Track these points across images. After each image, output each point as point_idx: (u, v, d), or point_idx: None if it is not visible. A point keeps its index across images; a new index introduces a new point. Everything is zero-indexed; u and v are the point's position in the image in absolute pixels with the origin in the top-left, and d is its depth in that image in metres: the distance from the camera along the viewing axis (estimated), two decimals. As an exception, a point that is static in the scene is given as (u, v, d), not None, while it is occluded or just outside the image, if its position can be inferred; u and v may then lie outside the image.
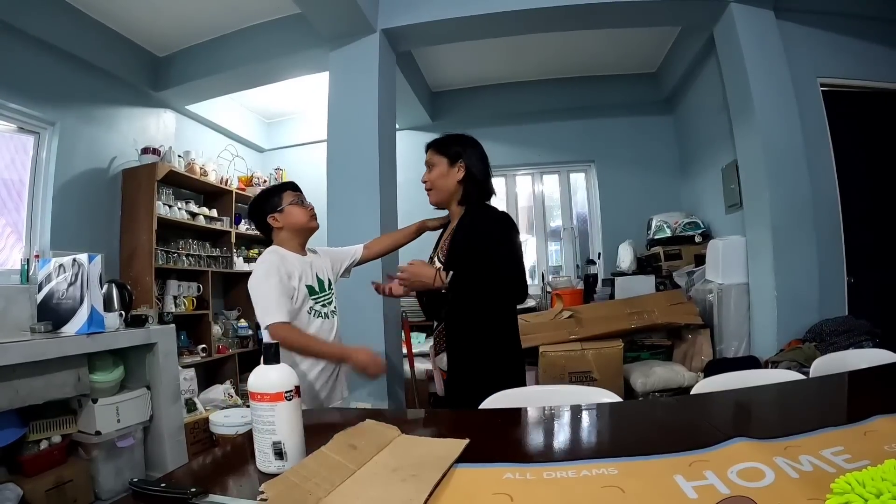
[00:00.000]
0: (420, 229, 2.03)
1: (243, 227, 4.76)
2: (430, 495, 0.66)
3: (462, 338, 1.60)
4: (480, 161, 1.75)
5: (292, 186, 1.85)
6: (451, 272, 1.53)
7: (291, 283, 1.66)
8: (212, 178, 4.32)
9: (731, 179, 3.61)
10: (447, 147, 1.76)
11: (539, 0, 3.15)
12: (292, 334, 1.58)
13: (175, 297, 3.94)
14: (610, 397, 1.22)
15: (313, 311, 1.73)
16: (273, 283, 1.61)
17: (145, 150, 3.84)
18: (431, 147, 1.80)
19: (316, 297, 1.75)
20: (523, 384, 1.64)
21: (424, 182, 1.80)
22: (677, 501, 0.61)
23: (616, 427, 1.07)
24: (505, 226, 1.63)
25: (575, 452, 0.90)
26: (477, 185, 1.73)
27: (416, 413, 1.10)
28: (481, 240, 1.58)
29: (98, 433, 1.97)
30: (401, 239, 2.07)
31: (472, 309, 1.58)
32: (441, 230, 1.89)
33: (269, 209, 1.79)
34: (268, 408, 0.77)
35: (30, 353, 1.72)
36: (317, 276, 1.78)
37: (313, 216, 1.82)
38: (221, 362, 4.32)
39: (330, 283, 1.83)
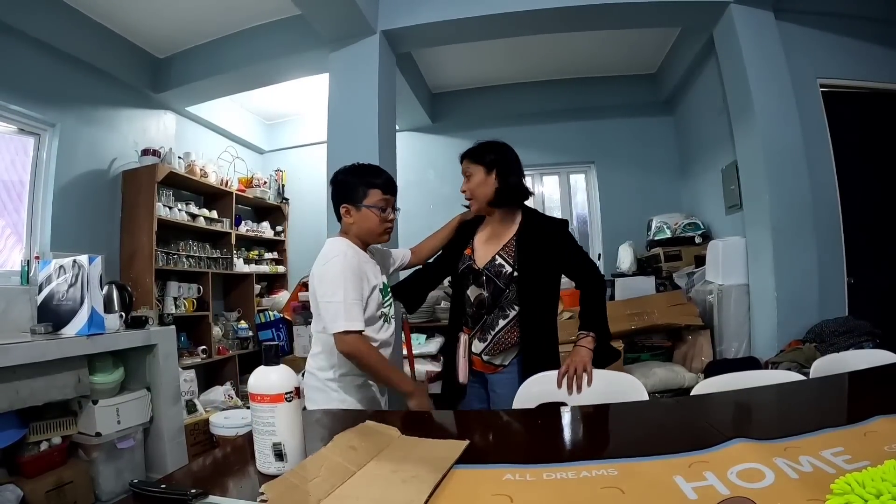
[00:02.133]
0: (461, 223, 1.94)
1: (243, 228, 4.76)
2: (430, 496, 0.66)
3: (537, 335, 1.69)
4: (514, 164, 1.80)
5: (385, 185, 1.63)
6: (591, 333, 1.63)
7: (368, 284, 1.55)
8: (212, 180, 4.32)
9: (730, 180, 3.61)
10: (482, 156, 1.79)
11: (539, 1, 3.15)
12: (371, 351, 1.48)
13: (175, 299, 3.94)
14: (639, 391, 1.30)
15: (383, 316, 1.62)
16: (351, 283, 1.48)
17: (145, 152, 3.84)
18: (466, 157, 1.82)
19: (385, 299, 1.64)
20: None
21: (464, 192, 1.80)
22: (677, 502, 0.61)
23: (616, 428, 1.07)
24: (568, 230, 1.78)
25: (575, 453, 0.90)
26: (514, 189, 1.78)
27: (415, 414, 1.11)
28: (551, 244, 1.73)
29: (98, 434, 1.97)
30: (446, 237, 1.94)
31: (543, 306, 1.71)
32: (468, 231, 1.89)
33: (347, 197, 1.61)
34: (268, 409, 0.77)
35: (30, 354, 1.72)
36: (382, 278, 1.67)
37: (387, 231, 1.64)
38: (221, 364, 4.32)
39: (387, 285, 1.72)
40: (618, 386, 1.41)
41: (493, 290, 1.70)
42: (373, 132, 3.19)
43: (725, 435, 0.79)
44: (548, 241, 1.72)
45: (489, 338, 1.70)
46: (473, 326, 1.74)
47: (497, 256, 1.73)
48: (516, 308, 1.68)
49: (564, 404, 1.37)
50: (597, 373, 1.46)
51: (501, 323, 1.69)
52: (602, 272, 1.82)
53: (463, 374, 1.74)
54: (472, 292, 1.75)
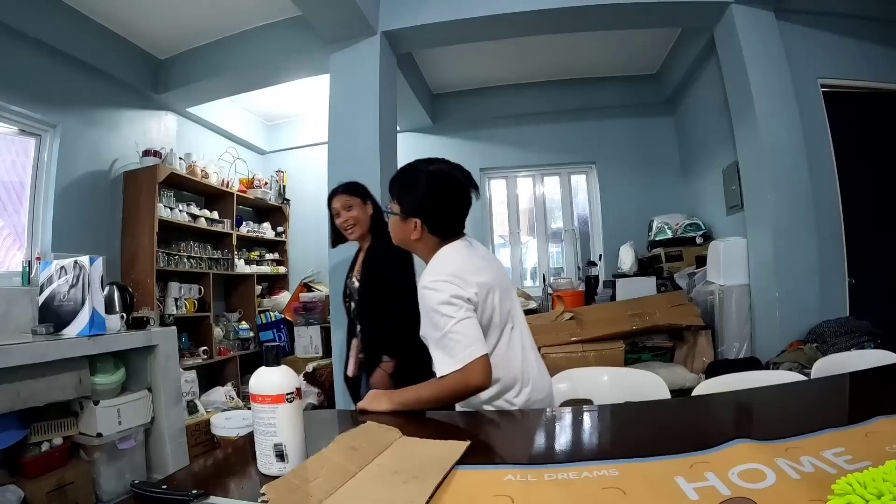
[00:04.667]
0: None
1: (244, 229, 4.76)
2: (430, 497, 0.66)
3: (374, 340, 2.04)
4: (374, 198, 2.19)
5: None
6: (391, 360, 1.95)
7: None
8: (213, 181, 4.32)
9: (731, 180, 3.61)
10: (357, 190, 2.15)
11: (539, 2, 3.16)
12: None
13: (176, 300, 3.94)
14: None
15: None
16: None
17: (146, 153, 3.85)
18: (342, 194, 2.12)
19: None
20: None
21: (345, 221, 2.10)
22: (678, 503, 0.61)
23: (617, 428, 1.07)
24: (403, 260, 2.03)
25: (576, 454, 0.90)
26: (382, 215, 2.14)
27: (416, 415, 1.10)
28: (386, 269, 2.02)
29: (99, 435, 1.97)
30: None
31: (382, 316, 2.01)
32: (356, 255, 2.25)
33: None
34: (269, 410, 0.78)
35: (31, 355, 1.71)
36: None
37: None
38: (222, 364, 4.33)
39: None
40: (642, 384, 1.47)
41: (356, 304, 2.09)
42: (374, 133, 3.20)
43: (727, 435, 0.79)
44: (389, 262, 2.00)
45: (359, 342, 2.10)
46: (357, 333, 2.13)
47: (355, 276, 2.12)
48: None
49: (589, 401, 1.43)
50: (622, 371, 1.59)
51: (357, 328, 2.10)
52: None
53: (350, 370, 2.14)
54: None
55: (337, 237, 2.21)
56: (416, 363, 1.87)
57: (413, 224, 1.31)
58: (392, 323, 1.93)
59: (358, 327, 2.08)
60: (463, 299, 1.18)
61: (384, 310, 1.97)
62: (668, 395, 1.37)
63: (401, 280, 1.97)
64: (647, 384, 1.45)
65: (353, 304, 2.12)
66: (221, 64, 3.91)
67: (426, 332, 1.23)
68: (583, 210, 5.15)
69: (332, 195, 2.14)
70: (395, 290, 1.96)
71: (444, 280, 1.20)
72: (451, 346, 1.13)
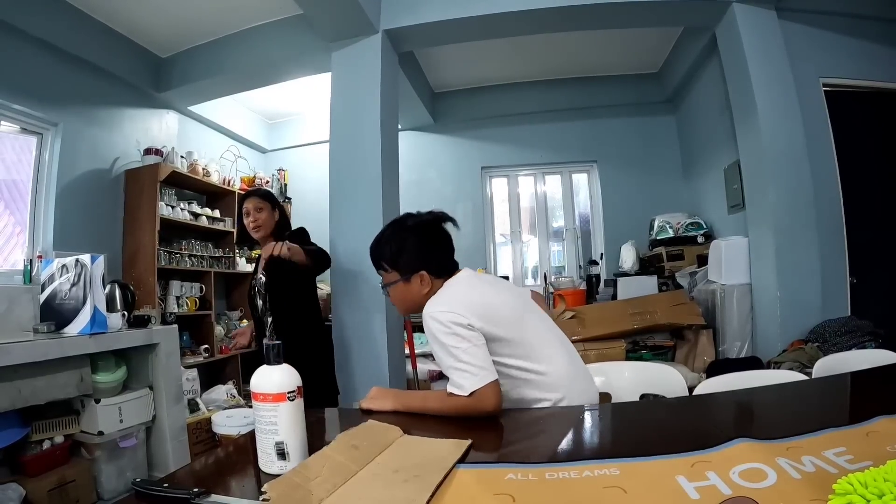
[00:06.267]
0: None
1: (245, 227, 4.76)
2: (431, 496, 0.66)
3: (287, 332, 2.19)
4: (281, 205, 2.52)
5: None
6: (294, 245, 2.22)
7: None
8: (214, 179, 4.32)
9: (733, 180, 3.61)
10: (268, 197, 2.46)
11: (541, 1, 3.15)
12: None
13: (178, 298, 3.95)
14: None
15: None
16: None
17: (148, 151, 3.85)
18: (256, 197, 2.41)
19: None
20: (331, 357, 2.63)
21: (254, 221, 2.37)
22: (679, 502, 0.61)
23: (618, 428, 1.07)
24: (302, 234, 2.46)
25: (577, 453, 0.90)
26: (286, 222, 2.51)
27: (417, 414, 1.10)
28: (286, 265, 2.25)
29: (101, 433, 1.97)
30: None
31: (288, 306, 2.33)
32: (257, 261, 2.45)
33: None
34: (270, 408, 0.78)
35: (32, 353, 1.72)
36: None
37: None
38: (224, 363, 4.33)
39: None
40: (660, 378, 1.52)
41: (263, 297, 2.30)
42: (375, 131, 3.19)
43: (728, 435, 0.79)
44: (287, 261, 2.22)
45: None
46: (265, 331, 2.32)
47: (261, 273, 2.28)
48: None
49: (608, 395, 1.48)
50: (638, 365, 1.70)
51: (269, 321, 2.28)
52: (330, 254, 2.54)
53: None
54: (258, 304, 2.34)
55: (242, 236, 2.50)
56: (314, 343, 2.40)
57: (419, 279, 1.31)
58: (295, 309, 2.35)
59: (269, 319, 2.30)
60: (464, 326, 1.16)
61: (287, 298, 2.33)
62: (685, 393, 1.39)
63: (297, 274, 2.32)
64: (667, 379, 1.50)
65: (260, 301, 2.32)
66: (223, 62, 3.91)
67: (436, 357, 1.22)
68: (584, 209, 5.15)
69: (246, 197, 2.42)
70: (296, 282, 2.36)
71: (445, 309, 1.19)
72: (458, 377, 1.11)
